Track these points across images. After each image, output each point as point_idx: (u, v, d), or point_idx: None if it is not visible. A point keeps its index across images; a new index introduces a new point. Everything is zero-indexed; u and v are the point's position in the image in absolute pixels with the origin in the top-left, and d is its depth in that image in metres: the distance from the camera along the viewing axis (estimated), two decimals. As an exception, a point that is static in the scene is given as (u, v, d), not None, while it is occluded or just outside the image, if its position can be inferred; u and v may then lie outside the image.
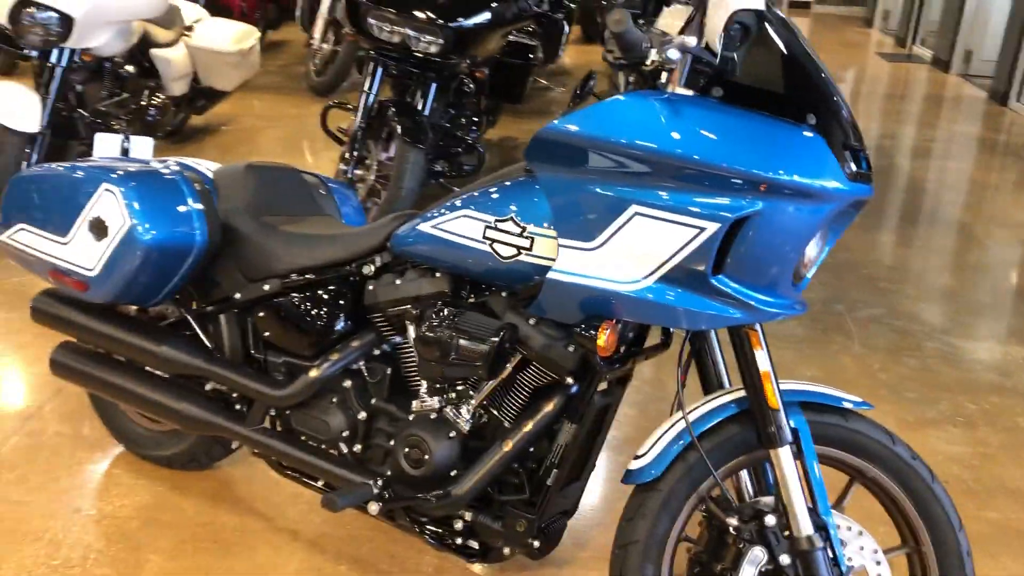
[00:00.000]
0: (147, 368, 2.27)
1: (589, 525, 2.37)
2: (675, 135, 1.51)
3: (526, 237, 1.71)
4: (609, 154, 1.54)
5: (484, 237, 1.76)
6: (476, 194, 1.81)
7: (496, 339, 1.72)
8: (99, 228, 2.05)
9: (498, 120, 5.42)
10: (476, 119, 4.68)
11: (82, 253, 2.08)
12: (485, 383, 1.86)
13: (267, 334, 2.14)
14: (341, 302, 2.07)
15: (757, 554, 1.63)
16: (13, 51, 4.01)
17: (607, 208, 1.56)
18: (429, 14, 3.70)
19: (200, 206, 2.10)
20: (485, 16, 3.84)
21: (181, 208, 2.07)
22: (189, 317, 2.25)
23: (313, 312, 2.07)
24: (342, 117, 4.28)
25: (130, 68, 4.66)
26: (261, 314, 2.13)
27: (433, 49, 3.77)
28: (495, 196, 1.77)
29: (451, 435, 1.88)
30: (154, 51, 4.82)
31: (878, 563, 1.68)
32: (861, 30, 12.85)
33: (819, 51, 1.62)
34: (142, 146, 2.52)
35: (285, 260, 2.09)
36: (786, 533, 1.65)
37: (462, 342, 1.75)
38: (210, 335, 2.24)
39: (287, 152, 5.53)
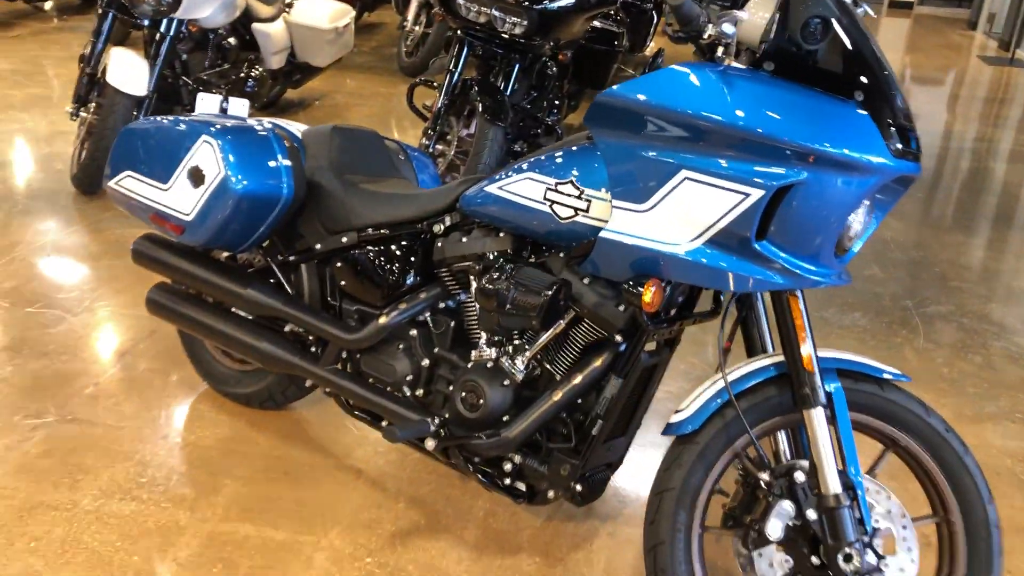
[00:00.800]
0: (233, 309, 2.46)
1: (633, 484, 2.47)
2: (727, 105, 1.60)
3: (584, 199, 1.83)
4: (663, 120, 1.64)
5: (545, 198, 1.88)
6: (540, 158, 1.93)
7: (549, 292, 1.85)
8: (197, 176, 2.24)
9: (580, 105, 5.52)
10: (557, 102, 4.79)
11: (180, 199, 2.28)
12: (540, 336, 1.98)
13: (343, 283, 2.30)
14: (411, 257, 2.22)
15: (785, 507, 1.72)
16: (128, 20, 4.28)
17: (659, 172, 1.66)
18: (516, -5, 3.83)
19: (288, 162, 2.27)
20: (569, 0, 3.94)
21: (271, 163, 2.25)
22: (273, 264, 2.43)
23: (385, 265, 2.23)
24: (428, 96, 4.45)
25: (232, 40, 4.92)
26: (338, 264, 2.30)
27: (518, 30, 3.90)
28: (557, 160, 1.89)
29: (505, 383, 2.01)
30: (256, 25, 5.07)
31: (904, 527, 1.74)
32: (964, 33, 12.48)
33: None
34: (239, 107, 2.72)
35: (363, 215, 2.25)
36: (815, 491, 1.73)
37: (518, 295, 1.87)
38: (291, 282, 2.42)
39: (374, 128, 5.73)
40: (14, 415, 2.61)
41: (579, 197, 1.83)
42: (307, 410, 2.72)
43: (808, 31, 1.61)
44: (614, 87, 1.70)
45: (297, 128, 2.47)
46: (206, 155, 2.22)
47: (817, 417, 1.71)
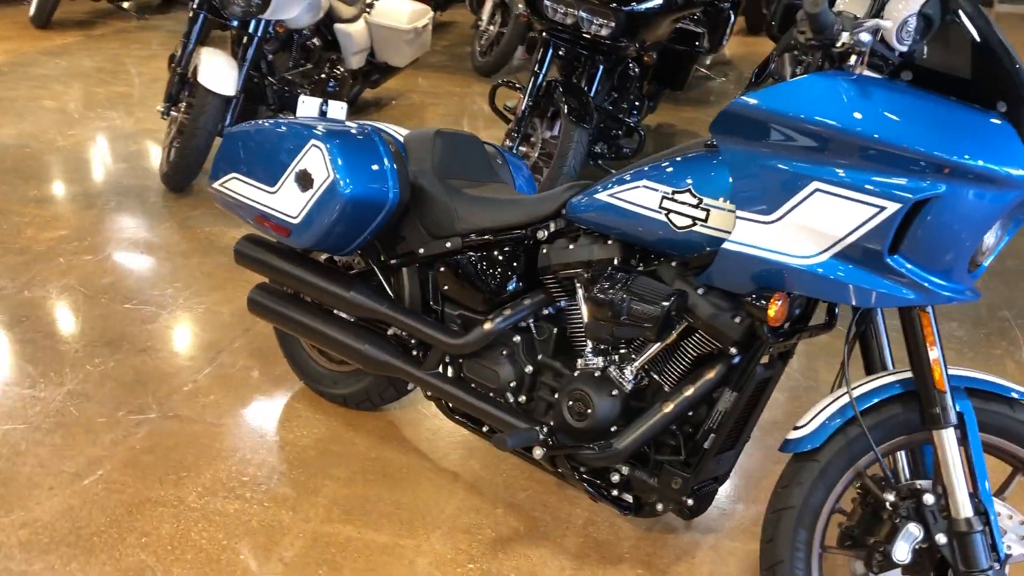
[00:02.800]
0: (334, 312, 2.48)
1: (735, 498, 2.43)
2: (863, 115, 1.56)
3: (702, 209, 1.80)
4: (795, 130, 1.60)
5: (660, 207, 1.86)
6: (655, 166, 1.91)
7: (667, 304, 1.82)
8: (305, 180, 2.25)
9: (658, 105, 5.47)
10: (638, 103, 4.76)
11: (287, 202, 2.30)
12: (649, 346, 1.96)
13: (446, 288, 2.31)
14: (515, 263, 2.21)
15: (913, 531, 1.67)
16: (217, 20, 4.35)
17: (788, 183, 1.63)
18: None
19: (394, 166, 2.28)
20: (656, 1, 3.90)
21: (377, 167, 2.26)
22: (375, 268, 2.45)
23: (489, 270, 2.23)
24: (509, 97, 4.44)
25: (316, 41, 4.97)
26: (442, 269, 2.30)
27: (604, 32, 3.87)
28: (673, 168, 1.86)
29: (613, 393, 1.99)
30: (338, 26, 5.12)
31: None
32: (1047, 31, 12.08)
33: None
34: (337, 110, 2.74)
35: (467, 220, 2.25)
36: (944, 514, 1.67)
37: (634, 305, 1.85)
38: (392, 286, 2.43)
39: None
40: (118, 410, 2.67)
41: (697, 206, 1.80)
42: (402, 412, 2.73)
43: (947, 39, 1.56)
44: (744, 96, 1.67)
45: (398, 131, 2.48)
46: (314, 159, 2.24)
47: (948, 438, 1.66)
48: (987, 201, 1.53)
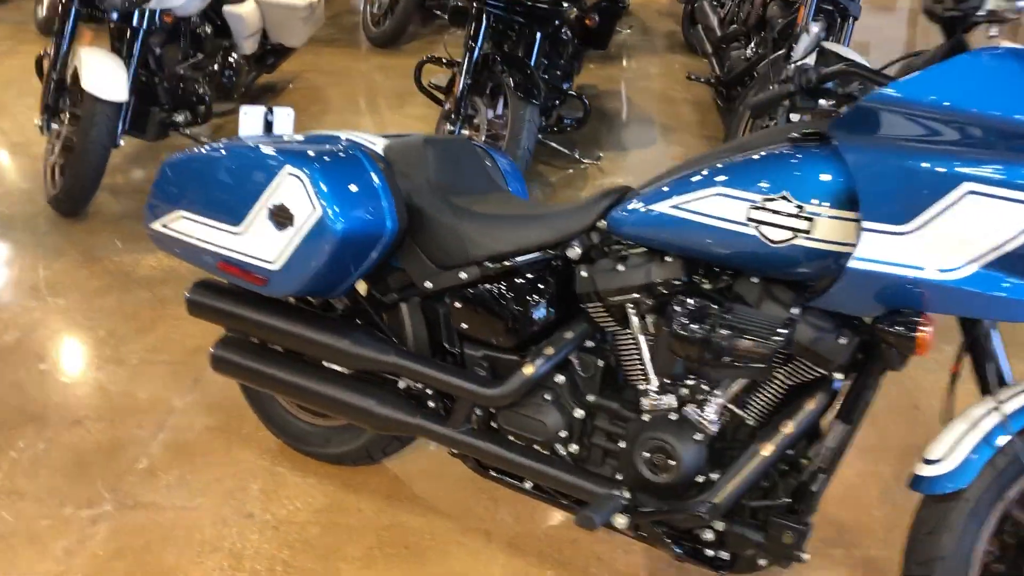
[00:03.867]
0: (323, 363, 2.09)
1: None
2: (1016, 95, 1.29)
3: (803, 218, 1.50)
4: (947, 122, 1.32)
5: (748, 219, 1.55)
6: (729, 168, 1.60)
7: (781, 336, 1.52)
8: (282, 216, 1.85)
9: (582, 68, 5.15)
10: (568, 70, 4.43)
11: (260, 244, 1.89)
12: (735, 382, 1.67)
13: (464, 326, 1.95)
14: (547, 289, 1.88)
15: (1092, 567, 1.45)
16: (91, 14, 3.76)
17: (932, 185, 1.35)
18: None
19: (387, 188, 1.90)
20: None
21: (368, 192, 1.87)
22: (369, 309, 2.06)
23: (516, 301, 1.88)
24: (432, 72, 4.04)
25: (207, 28, 4.42)
26: (457, 305, 1.94)
27: (547, -3, 3.52)
28: (759, 171, 1.55)
29: (696, 438, 1.70)
30: (227, 8, 4.56)
31: None
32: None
33: None
34: (284, 117, 2.32)
35: (483, 245, 1.89)
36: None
37: (739, 341, 1.55)
38: (390, 327, 2.06)
39: (363, 110, 5.29)
40: (64, 506, 2.22)
41: (798, 216, 1.50)
42: (404, 462, 2.37)
43: None
44: (884, 89, 1.36)
45: (373, 141, 2.09)
46: (293, 191, 1.83)
47: (1118, 464, 1.44)
48: None
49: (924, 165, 1.35)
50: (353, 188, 1.85)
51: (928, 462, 1.55)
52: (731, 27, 4.62)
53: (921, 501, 1.58)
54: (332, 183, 1.82)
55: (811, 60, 1.70)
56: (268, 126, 2.31)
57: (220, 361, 2.19)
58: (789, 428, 1.64)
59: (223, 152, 1.96)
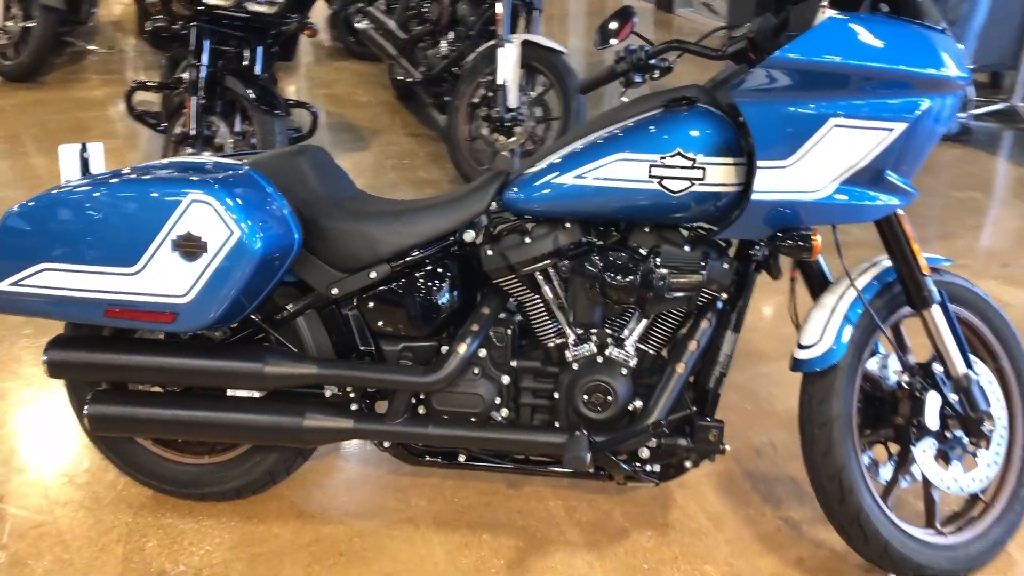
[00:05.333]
0: (225, 393, 2.03)
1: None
2: (876, 49, 1.69)
3: (697, 168, 1.81)
4: (820, 73, 1.68)
5: (651, 176, 1.83)
6: (622, 137, 1.86)
7: (704, 267, 1.83)
8: (191, 246, 1.79)
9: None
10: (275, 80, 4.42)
11: (164, 280, 1.81)
12: (639, 318, 1.95)
13: (380, 323, 2.02)
14: (452, 274, 2.02)
15: (934, 398, 1.94)
16: None
17: (809, 124, 1.72)
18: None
19: (285, 203, 1.90)
20: (317, -31, 3.62)
21: (271, 208, 1.87)
22: (267, 328, 2.04)
23: (429, 289, 2.00)
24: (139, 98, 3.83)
25: None
26: (371, 304, 2.01)
27: (273, 10, 3.51)
28: (654, 135, 1.83)
29: (623, 372, 1.96)
30: None
31: (990, 383, 2.05)
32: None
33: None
34: (96, 153, 2.15)
35: (390, 242, 1.98)
36: (949, 377, 1.97)
37: (675, 279, 1.82)
38: (289, 342, 2.06)
39: (32, 152, 4.78)
40: (-71, 628, 1.91)
41: (692, 167, 1.81)
42: (294, 481, 2.34)
43: None
44: (775, 53, 1.69)
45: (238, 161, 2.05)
46: (201, 217, 1.77)
47: (937, 313, 1.94)
48: (951, 106, 1.78)
49: (802, 109, 1.71)
50: (260, 207, 1.84)
51: (804, 347, 1.95)
52: (416, 28, 4.88)
53: (804, 378, 1.98)
54: (243, 205, 1.80)
55: (615, 45, 1.96)
56: (84, 162, 2.15)
57: (100, 420, 2.02)
58: (694, 346, 1.96)
59: (98, 192, 1.82)
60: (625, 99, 1.97)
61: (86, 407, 2.02)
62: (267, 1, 3.47)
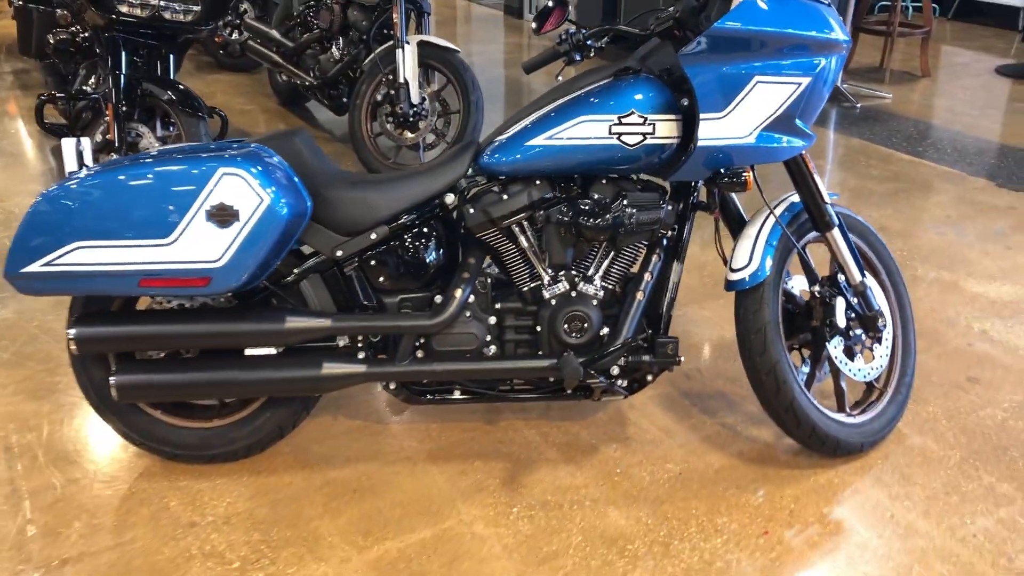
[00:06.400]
0: (243, 351, 2.25)
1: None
2: (785, 18, 2.10)
3: (649, 124, 2.19)
4: (749, 39, 2.09)
5: (610, 133, 2.19)
6: (581, 101, 2.21)
7: (665, 205, 2.21)
8: (224, 215, 2.01)
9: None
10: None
11: (198, 247, 2.02)
12: (603, 255, 2.32)
13: (381, 279, 2.29)
14: (438, 232, 2.32)
15: (840, 302, 2.40)
16: None
17: (738, 82, 2.12)
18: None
19: (294, 174, 2.15)
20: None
21: (288, 179, 2.11)
22: (277, 290, 2.27)
23: (422, 247, 2.29)
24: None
25: None
26: (373, 263, 2.27)
27: (189, 18, 3.66)
28: (608, 98, 2.20)
29: (594, 303, 2.32)
30: None
31: (878, 289, 2.54)
32: None
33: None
34: (87, 147, 2.30)
35: (386, 206, 2.25)
36: (849, 286, 2.43)
37: (641, 217, 2.19)
38: (297, 302, 2.29)
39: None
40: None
41: (644, 124, 2.19)
42: (289, 444, 2.56)
43: None
44: (718, 23, 2.07)
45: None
46: (233, 188, 2.00)
47: (838, 234, 2.40)
48: (839, 63, 2.24)
49: (734, 70, 2.12)
50: (281, 177, 2.07)
51: (736, 270, 2.36)
52: (304, 36, 5.08)
53: (737, 295, 2.39)
54: (268, 176, 2.03)
55: (566, 28, 2.34)
56: (80, 155, 2.31)
57: (127, 388, 2.19)
58: (648, 277, 2.34)
59: (129, 172, 2.01)
60: (561, 78, 2.33)
61: (113, 377, 2.18)
62: (183, 11, 3.61)
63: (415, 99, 4.31)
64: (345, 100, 4.85)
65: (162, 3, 3.58)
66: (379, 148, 4.53)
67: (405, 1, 4.41)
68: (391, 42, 4.32)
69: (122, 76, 3.66)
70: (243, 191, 2.00)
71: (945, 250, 3.83)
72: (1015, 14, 8.16)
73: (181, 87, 3.76)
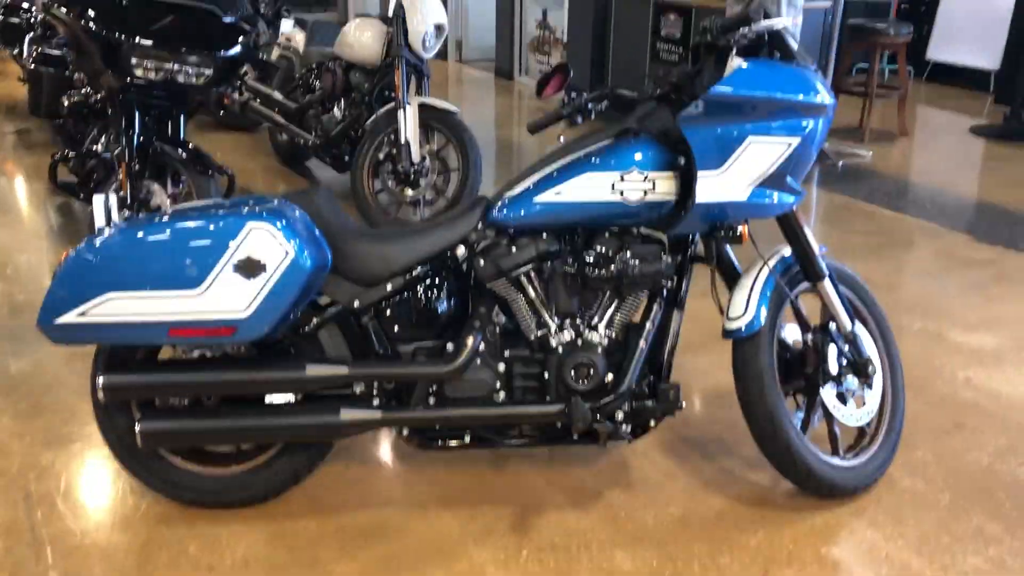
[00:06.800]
0: (263, 399, 2.34)
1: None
2: (778, 85, 2.26)
3: (649, 181, 2.33)
4: (743, 103, 2.24)
5: (613, 189, 2.33)
6: (584, 161, 2.35)
7: (666, 257, 2.33)
8: (251, 267, 2.12)
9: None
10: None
11: (225, 298, 2.13)
12: (607, 304, 2.44)
13: (396, 328, 2.39)
14: (449, 282, 2.44)
15: (833, 349, 2.52)
16: None
17: (733, 141, 2.27)
18: (198, 47, 3.73)
19: (316, 228, 2.27)
20: (237, 48, 3.93)
21: (310, 232, 2.23)
22: (296, 339, 2.37)
23: (439, 296, 2.41)
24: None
25: None
26: (388, 312, 2.38)
27: (201, 81, 3.80)
28: (611, 156, 2.34)
29: (599, 351, 2.43)
30: None
31: (866, 337, 2.67)
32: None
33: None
34: (114, 204, 2.43)
35: (402, 258, 2.37)
36: (840, 333, 2.56)
37: (643, 268, 2.31)
38: (313, 351, 2.39)
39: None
40: None
41: (644, 181, 2.33)
42: (301, 492, 2.64)
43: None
44: (715, 87, 2.22)
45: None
46: (260, 241, 2.12)
47: (828, 284, 2.53)
48: (826, 125, 2.39)
49: (729, 130, 2.27)
50: (303, 231, 2.19)
51: (732, 319, 2.48)
52: (306, 97, 5.26)
53: (735, 344, 2.51)
54: (293, 229, 2.15)
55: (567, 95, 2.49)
56: (108, 212, 2.43)
57: (152, 435, 2.28)
58: (650, 326, 2.46)
59: (161, 227, 2.12)
60: (563, 139, 2.48)
61: (139, 425, 2.27)
62: (195, 74, 3.76)
63: (416, 158, 4.46)
64: (347, 158, 4.99)
65: (176, 67, 3.72)
66: (380, 204, 4.67)
67: (406, 65, 4.59)
68: (393, 103, 4.49)
69: (135, 136, 3.79)
70: (270, 244, 2.12)
71: (928, 301, 3.98)
72: (987, 77, 8.46)
73: (191, 146, 3.89)
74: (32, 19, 6.21)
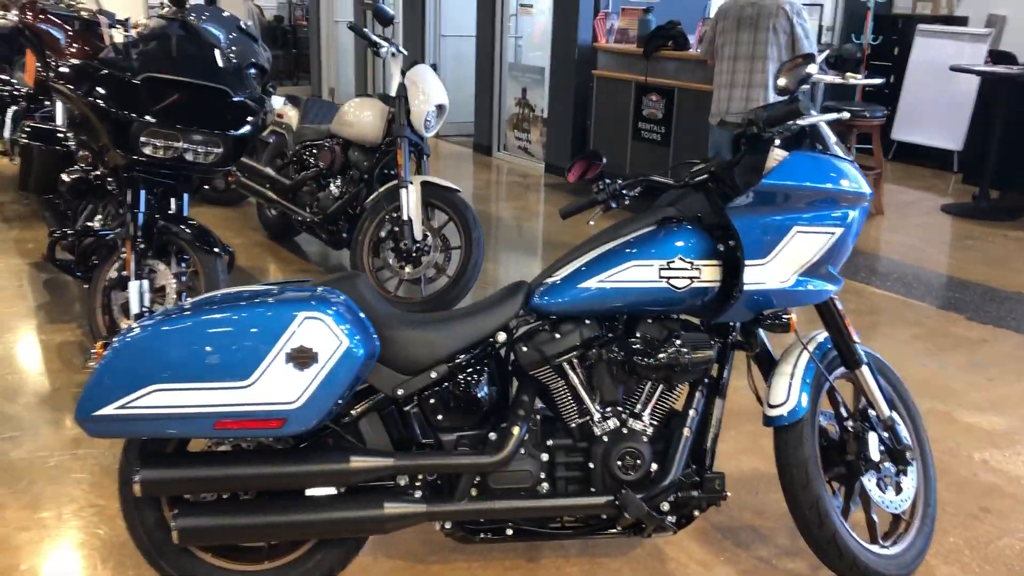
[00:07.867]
0: (302, 493, 2.26)
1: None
2: (823, 176, 2.30)
3: (696, 269, 2.33)
4: (789, 194, 2.27)
5: (660, 277, 2.33)
6: (634, 247, 2.34)
7: (712, 345, 2.32)
8: (303, 357, 2.06)
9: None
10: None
11: (275, 389, 2.06)
12: (651, 392, 2.41)
13: (439, 417, 2.34)
14: (491, 369, 2.40)
15: (873, 437, 2.51)
16: None
17: (779, 231, 2.29)
18: (208, 126, 3.70)
19: (363, 315, 2.22)
20: (248, 127, 3.91)
21: (358, 321, 2.18)
22: (338, 429, 2.30)
23: (480, 383, 2.36)
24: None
25: None
26: (432, 401, 2.33)
27: (211, 159, 3.76)
28: (657, 244, 2.34)
29: (644, 439, 2.40)
30: None
31: (897, 421, 2.67)
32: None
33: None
34: (147, 289, 2.37)
35: (446, 345, 2.33)
36: (879, 420, 2.56)
37: (694, 356, 2.29)
38: (354, 441, 2.33)
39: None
40: None
41: (690, 269, 2.33)
42: None
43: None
44: (766, 180, 2.24)
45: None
46: (314, 332, 2.07)
47: (867, 371, 2.54)
48: (861, 214, 2.43)
49: (775, 220, 2.29)
50: (353, 320, 2.15)
51: (774, 406, 2.47)
52: (300, 174, 5.24)
53: (776, 431, 2.49)
54: (345, 318, 2.11)
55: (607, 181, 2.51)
56: (141, 296, 2.37)
57: (189, 532, 2.17)
58: (693, 414, 2.44)
59: (208, 316, 2.06)
60: (592, 223, 2.48)
61: (175, 520, 2.17)
62: (204, 153, 3.72)
63: (418, 235, 4.45)
64: (345, 235, 4.96)
65: (185, 146, 3.68)
66: (380, 281, 4.63)
67: (408, 144, 4.60)
68: (394, 181, 4.49)
69: (140, 214, 3.72)
70: (323, 334, 2.07)
71: (932, 382, 4.02)
72: (949, 156, 8.75)
73: (195, 223, 3.83)
74: (16, 92, 6.13)
